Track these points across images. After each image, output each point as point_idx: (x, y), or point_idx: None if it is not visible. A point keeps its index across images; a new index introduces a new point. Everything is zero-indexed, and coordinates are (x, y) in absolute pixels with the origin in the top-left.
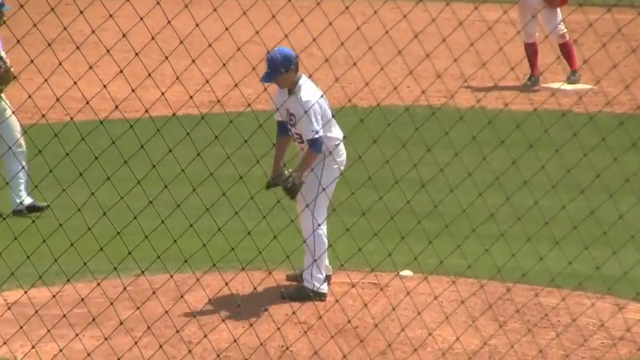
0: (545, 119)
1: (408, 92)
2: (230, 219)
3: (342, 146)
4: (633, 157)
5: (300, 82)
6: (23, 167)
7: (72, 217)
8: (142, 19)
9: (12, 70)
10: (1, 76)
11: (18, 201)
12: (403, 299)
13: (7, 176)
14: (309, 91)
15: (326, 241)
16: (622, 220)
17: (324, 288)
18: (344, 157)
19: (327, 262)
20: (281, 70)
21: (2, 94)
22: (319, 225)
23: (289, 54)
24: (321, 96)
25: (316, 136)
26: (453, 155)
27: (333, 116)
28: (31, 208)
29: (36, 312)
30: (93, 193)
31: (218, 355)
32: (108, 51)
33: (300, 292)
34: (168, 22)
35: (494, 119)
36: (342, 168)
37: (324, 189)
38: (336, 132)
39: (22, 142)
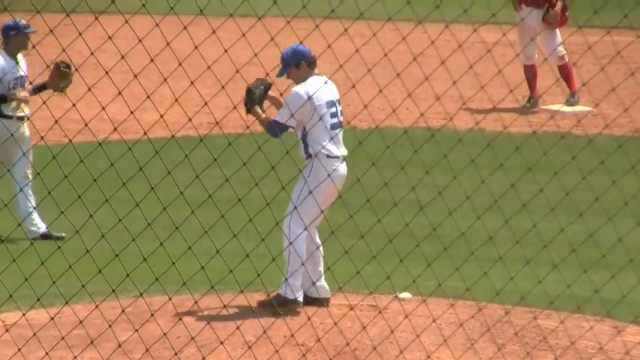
0: (544, 142)
1: (407, 114)
2: (228, 241)
3: (337, 163)
4: (632, 181)
5: (309, 79)
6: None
7: (70, 238)
8: (140, 40)
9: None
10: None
11: (34, 229)
12: (402, 322)
13: (17, 206)
14: (305, 85)
15: (303, 250)
16: (621, 243)
17: (299, 295)
18: (341, 173)
19: (323, 282)
20: (291, 64)
21: (25, 123)
22: (298, 235)
23: (301, 50)
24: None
25: (278, 120)
26: (452, 178)
27: (333, 128)
28: (46, 236)
29: (34, 335)
30: (91, 215)
31: None
32: (107, 73)
33: (276, 299)
34: (167, 44)
35: (493, 142)
36: (340, 188)
37: (310, 191)
38: (330, 144)
39: (30, 174)
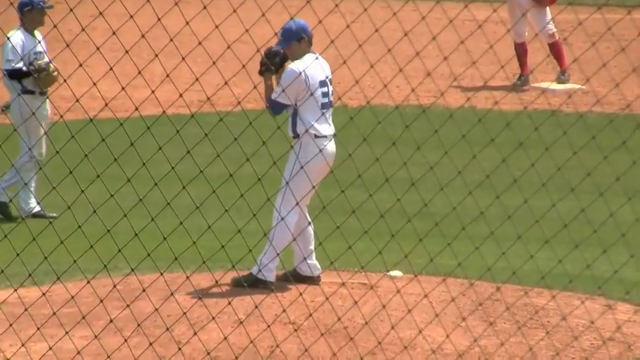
0: (535, 118)
1: (398, 91)
2: (219, 218)
3: (325, 142)
4: (623, 157)
5: (306, 56)
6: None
7: (61, 215)
8: (131, 16)
9: (55, 73)
10: (43, 80)
11: (27, 207)
12: (393, 299)
13: (20, 178)
14: (302, 62)
15: (289, 233)
16: (612, 220)
17: (270, 277)
18: (330, 152)
19: (314, 261)
20: (293, 38)
21: (48, 99)
22: (286, 215)
23: (304, 25)
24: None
25: (275, 98)
26: (443, 154)
27: (323, 107)
28: (37, 215)
29: (25, 310)
30: (82, 191)
31: (208, 354)
32: (98, 49)
33: (247, 278)
34: (158, 19)
35: (484, 118)
36: (330, 165)
37: (302, 166)
38: (318, 123)
39: (44, 151)
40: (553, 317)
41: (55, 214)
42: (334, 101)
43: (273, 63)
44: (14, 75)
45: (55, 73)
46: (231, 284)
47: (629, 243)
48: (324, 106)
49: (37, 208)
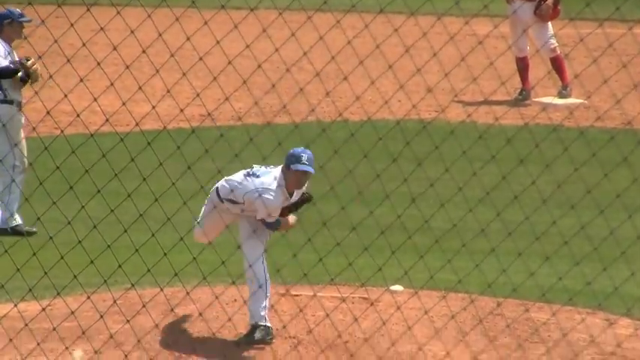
0: (536, 134)
1: (399, 106)
2: (220, 233)
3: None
4: (624, 173)
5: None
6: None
7: (62, 230)
8: (132, 32)
9: (37, 71)
10: (31, 75)
11: (8, 220)
12: (393, 314)
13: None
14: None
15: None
16: (613, 236)
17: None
18: None
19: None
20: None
21: (22, 109)
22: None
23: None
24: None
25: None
26: (444, 170)
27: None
28: (17, 232)
29: (26, 325)
30: (83, 207)
31: None
32: (99, 64)
33: (251, 333)
34: (159, 35)
35: (484, 134)
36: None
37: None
38: None
39: (25, 160)
40: (554, 332)
41: (34, 229)
42: (336, 117)
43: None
44: (4, 73)
45: (37, 69)
46: (238, 344)
47: (630, 259)
48: None
49: (19, 221)
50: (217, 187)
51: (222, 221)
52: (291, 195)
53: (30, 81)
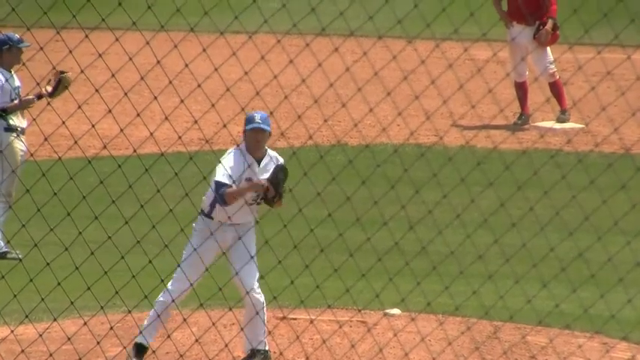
0: (534, 159)
1: (397, 130)
2: (218, 258)
3: None
4: (622, 199)
5: (266, 148)
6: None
7: (60, 255)
8: (131, 59)
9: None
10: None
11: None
12: (391, 338)
13: None
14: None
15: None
16: (610, 262)
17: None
18: None
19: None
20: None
21: (23, 137)
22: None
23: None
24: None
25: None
26: (442, 195)
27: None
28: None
29: (22, 351)
30: (80, 233)
31: None
32: (97, 90)
33: (250, 358)
34: (158, 62)
35: (483, 160)
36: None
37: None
38: None
39: (13, 192)
40: (551, 357)
41: (20, 256)
42: (334, 142)
43: (280, 192)
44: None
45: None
46: None
47: (627, 285)
48: None
49: (4, 248)
50: (201, 210)
51: (206, 257)
52: (258, 161)
53: (56, 93)
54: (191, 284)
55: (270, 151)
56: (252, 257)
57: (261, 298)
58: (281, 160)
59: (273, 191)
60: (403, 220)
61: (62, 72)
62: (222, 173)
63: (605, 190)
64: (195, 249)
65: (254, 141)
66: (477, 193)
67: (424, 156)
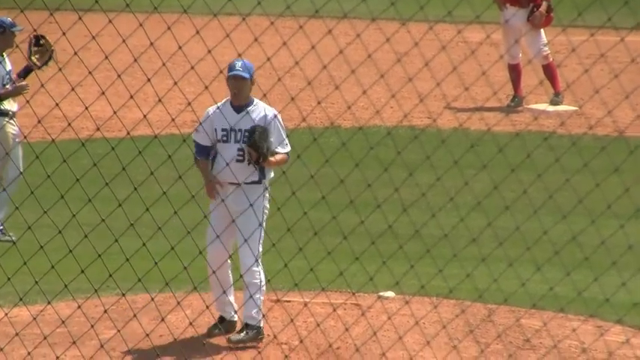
0: (527, 141)
1: (390, 113)
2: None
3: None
4: (615, 182)
5: (255, 99)
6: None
7: (54, 237)
8: (124, 41)
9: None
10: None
11: None
12: (385, 321)
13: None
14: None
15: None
16: (604, 245)
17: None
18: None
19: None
20: (252, 77)
21: (15, 119)
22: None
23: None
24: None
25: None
26: (435, 178)
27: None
28: None
29: (16, 335)
30: (74, 215)
31: None
32: (90, 73)
33: (247, 335)
34: (151, 44)
35: (476, 142)
36: None
37: (260, 224)
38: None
39: (4, 175)
40: (545, 340)
41: (13, 238)
42: (327, 124)
43: (264, 153)
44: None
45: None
46: (231, 342)
47: (621, 268)
48: None
49: None
50: None
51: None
52: (237, 110)
53: (43, 65)
54: (225, 249)
55: (259, 102)
56: (252, 233)
57: (258, 277)
58: (271, 112)
59: (255, 154)
60: (397, 202)
61: (41, 36)
62: (196, 129)
63: (599, 173)
64: (210, 211)
65: (234, 88)
66: (471, 175)
67: (417, 138)
